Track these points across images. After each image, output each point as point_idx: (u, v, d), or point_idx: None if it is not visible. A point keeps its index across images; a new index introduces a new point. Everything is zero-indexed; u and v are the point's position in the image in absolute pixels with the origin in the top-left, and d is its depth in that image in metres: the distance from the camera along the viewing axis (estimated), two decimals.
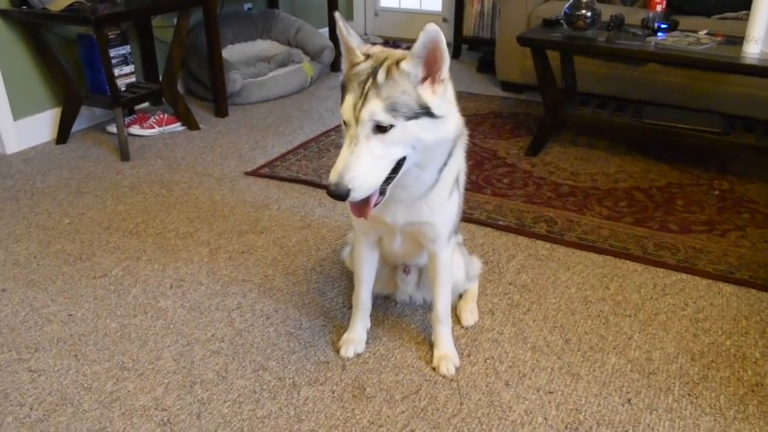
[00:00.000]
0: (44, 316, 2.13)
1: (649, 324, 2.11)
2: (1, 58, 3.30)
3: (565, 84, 3.68)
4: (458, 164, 1.69)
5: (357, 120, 1.40)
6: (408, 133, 1.41)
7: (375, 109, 1.38)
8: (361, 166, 1.39)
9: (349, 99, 1.42)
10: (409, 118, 1.40)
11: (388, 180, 1.47)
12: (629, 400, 1.79)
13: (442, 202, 1.67)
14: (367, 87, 1.40)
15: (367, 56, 1.48)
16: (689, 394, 1.82)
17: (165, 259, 2.46)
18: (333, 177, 1.39)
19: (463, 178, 1.83)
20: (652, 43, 3.09)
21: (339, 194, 1.39)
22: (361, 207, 1.49)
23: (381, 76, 1.39)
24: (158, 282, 2.31)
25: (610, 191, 3.02)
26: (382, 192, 1.49)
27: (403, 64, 1.40)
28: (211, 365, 1.91)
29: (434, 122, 1.44)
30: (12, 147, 3.44)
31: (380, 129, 1.39)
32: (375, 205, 1.50)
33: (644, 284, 2.31)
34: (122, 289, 2.27)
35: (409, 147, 1.44)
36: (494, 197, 2.94)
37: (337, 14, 1.54)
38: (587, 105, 3.55)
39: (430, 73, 1.41)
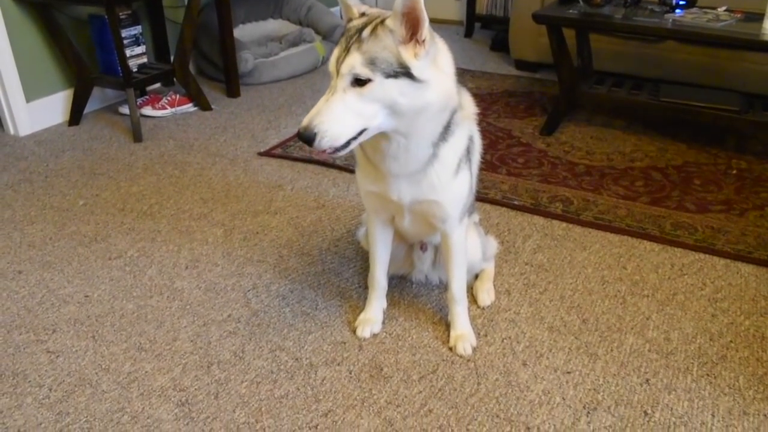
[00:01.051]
0: (61, 298, 2.14)
1: (667, 304, 2.09)
2: (13, 40, 3.29)
3: (581, 62, 3.64)
4: (463, 143, 1.66)
5: (338, 72, 1.41)
6: (386, 91, 1.40)
7: (354, 62, 1.38)
8: (331, 113, 1.40)
9: (336, 52, 1.44)
10: (388, 75, 1.39)
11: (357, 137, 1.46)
12: (647, 380, 1.78)
13: (445, 181, 1.65)
14: (352, 41, 1.41)
15: (363, 14, 1.49)
16: (708, 374, 1.81)
17: (180, 239, 2.46)
18: (304, 121, 1.41)
19: (477, 158, 1.81)
20: (670, 20, 3.04)
21: (305, 137, 1.40)
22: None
23: (366, 31, 1.41)
24: (173, 263, 2.32)
25: (626, 170, 2.99)
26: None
27: (388, 21, 1.40)
28: (228, 346, 1.91)
29: (414, 86, 1.42)
30: (25, 129, 3.44)
31: (359, 83, 1.40)
32: (334, 151, 1.45)
33: (662, 264, 2.30)
34: (138, 270, 2.28)
35: (385, 108, 1.43)
36: (509, 177, 2.92)
37: None
38: (603, 83, 3.50)
39: (414, 33, 1.40)
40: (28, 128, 3.45)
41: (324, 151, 1.44)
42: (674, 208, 2.65)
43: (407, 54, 1.40)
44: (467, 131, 1.67)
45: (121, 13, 3.34)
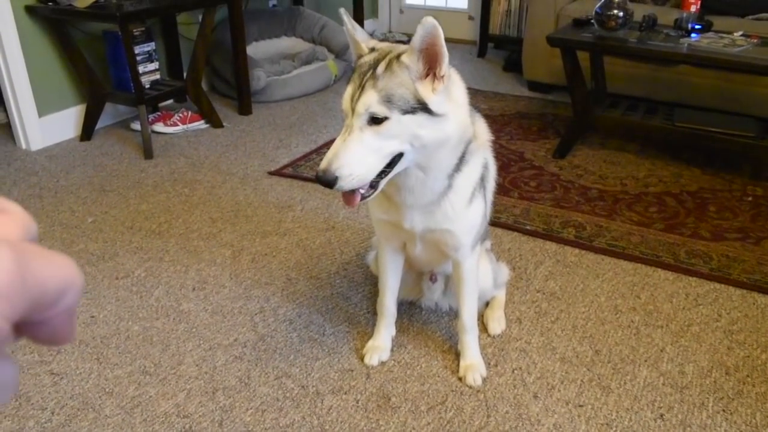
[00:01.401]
0: None
1: (682, 335, 2.05)
2: (27, 55, 3.30)
3: (595, 85, 3.61)
4: (478, 171, 1.63)
5: (353, 111, 1.38)
6: (403, 127, 1.38)
7: (370, 101, 1.35)
8: (351, 155, 1.37)
9: (349, 89, 1.41)
10: (405, 112, 1.36)
11: (383, 175, 1.44)
12: (662, 415, 1.74)
13: (459, 210, 1.62)
14: (365, 78, 1.38)
15: (372, 50, 1.46)
16: (724, 410, 1.76)
17: (188, 260, 2.43)
18: (323, 164, 1.39)
19: (491, 185, 1.78)
20: (686, 45, 3.02)
21: (326, 181, 1.38)
22: (348, 196, 1.45)
23: (380, 68, 1.37)
24: (181, 284, 2.29)
25: (640, 196, 2.95)
26: (373, 186, 1.45)
27: (404, 57, 1.37)
28: (234, 371, 1.88)
29: (432, 120, 1.39)
30: (37, 144, 3.44)
31: (375, 121, 1.37)
32: (363, 198, 1.46)
33: (676, 293, 2.25)
34: (145, 291, 2.26)
35: (406, 143, 1.40)
36: (521, 201, 2.89)
37: (342, 10, 1.53)
38: (617, 107, 3.48)
39: (431, 69, 1.37)
40: (40, 143, 3.46)
41: (353, 201, 1.43)
42: (689, 236, 2.61)
43: (424, 90, 1.37)
44: (482, 159, 1.65)
45: (134, 30, 3.35)
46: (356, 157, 1.37)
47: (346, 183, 1.38)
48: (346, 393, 1.80)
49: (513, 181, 3.09)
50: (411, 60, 1.36)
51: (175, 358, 1.94)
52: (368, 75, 1.37)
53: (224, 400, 1.78)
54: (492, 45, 5.49)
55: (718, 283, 2.31)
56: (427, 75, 1.38)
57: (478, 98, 4.24)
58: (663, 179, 3.12)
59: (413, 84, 1.37)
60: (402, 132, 1.38)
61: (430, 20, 1.31)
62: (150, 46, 3.50)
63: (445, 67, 1.36)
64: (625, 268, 2.39)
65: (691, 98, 3.70)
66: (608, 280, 2.32)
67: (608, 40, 3.14)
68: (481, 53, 5.36)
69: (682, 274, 2.36)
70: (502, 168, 3.20)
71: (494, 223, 2.65)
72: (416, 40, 1.34)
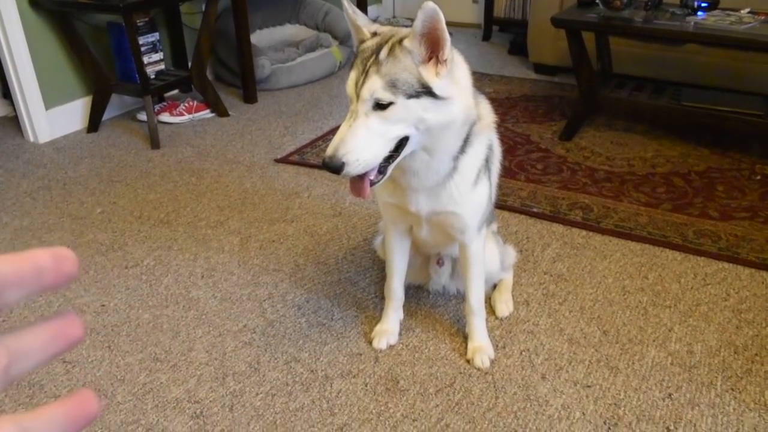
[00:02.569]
0: (78, 307, 2.14)
1: (690, 315, 2.05)
2: (32, 48, 3.31)
3: (601, 66, 3.59)
4: (482, 153, 1.63)
5: (358, 96, 1.38)
6: (409, 111, 1.38)
7: (375, 86, 1.35)
8: (357, 141, 1.37)
9: (352, 75, 1.41)
10: (410, 96, 1.36)
11: (390, 159, 1.44)
12: (670, 394, 1.74)
13: (464, 192, 1.62)
14: (369, 64, 1.38)
15: (375, 34, 1.46)
16: (732, 389, 1.76)
17: (196, 248, 2.45)
18: (329, 150, 1.38)
19: (496, 167, 1.78)
20: (692, 23, 2.99)
21: (332, 167, 1.37)
22: (358, 186, 1.46)
23: (383, 53, 1.37)
24: (189, 272, 2.31)
25: (647, 176, 2.94)
26: (381, 171, 1.45)
27: (406, 42, 1.37)
28: (243, 357, 1.90)
29: (437, 103, 1.39)
30: (44, 136, 3.46)
31: (380, 106, 1.37)
32: (373, 184, 1.46)
33: (684, 273, 2.25)
34: (154, 279, 2.27)
35: (411, 127, 1.40)
36: (528, 183, 2.88)
37: None
38: (623, 87, 3.45)
39: (433, 53, 1.37)
40: (48, 135, 3.47)
41: (364, 191, 1.43)
42: (697, 216, 2.60)
43: (428, 74, 1.37)
44: (486, 141, 1.64)
45: (138, 21, 3.35)
46: (362, 143, 1.37)
47: (352, 168, 1.38)
48: (354, 377, 1.82)
49: (520, 164, 3.08)
50: (413, 44, 1.36)
51: (185, 345, 1.95)
52: (371, 60, 1.37)
53: (234, 385, 1.80)
54: (497, 28, 5.46)
55: (726, 263, 2.30)
56: (429, 59, 1.37)
57: (483, 82, 4.23)
58: (670, 159, 3.11)
59: (417, 68, 1.36)
60: (407, 116, 1.38)
61: (430, 5, 1.30)
62: (154, 37, 3.50)
63: (448, 51, 1.36)
64: (632, 248, 2.39)
65: (698, 77, 3.68)
66: (616, 261, 2.32)
67: (613, 20, 3.12)
68: (486, 36, 5.33)
69: (690, 254, 2.35)
70: (509, 151, 3.20)
71: (501, 205, 2.65)
72: (417, 24, 1.33)
